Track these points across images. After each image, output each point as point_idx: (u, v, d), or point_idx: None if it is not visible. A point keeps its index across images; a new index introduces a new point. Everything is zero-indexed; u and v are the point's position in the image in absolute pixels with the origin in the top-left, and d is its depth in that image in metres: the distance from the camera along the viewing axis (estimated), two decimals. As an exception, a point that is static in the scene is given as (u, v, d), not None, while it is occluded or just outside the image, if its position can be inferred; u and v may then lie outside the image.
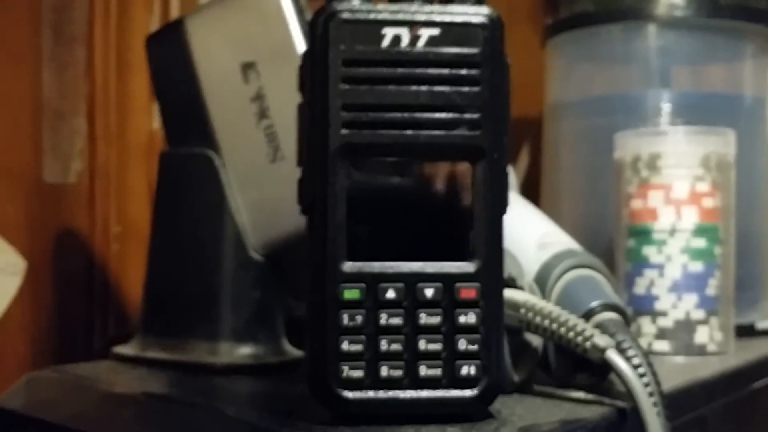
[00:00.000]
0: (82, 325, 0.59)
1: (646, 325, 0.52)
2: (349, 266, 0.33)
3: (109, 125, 0.61)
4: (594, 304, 0.40)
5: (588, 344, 0.37)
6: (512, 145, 0.35)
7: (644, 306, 0.53)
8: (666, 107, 0.64)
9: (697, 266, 0.52)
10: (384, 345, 0.33)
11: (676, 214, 0.52)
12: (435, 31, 0.33)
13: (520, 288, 0.41)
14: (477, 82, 0.33)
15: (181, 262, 0.47)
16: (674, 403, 0.39)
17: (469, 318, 0.33)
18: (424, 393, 0.33)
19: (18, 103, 0.56)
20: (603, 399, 0.39)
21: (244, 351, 0.45)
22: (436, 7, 0.34)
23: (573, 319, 0.38)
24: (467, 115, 0.33)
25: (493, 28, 0.34)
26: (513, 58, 0.35)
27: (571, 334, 0.37)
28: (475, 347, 0.33)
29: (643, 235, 0.53)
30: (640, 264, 0.53)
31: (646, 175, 0.53)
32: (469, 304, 0.33)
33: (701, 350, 0.51)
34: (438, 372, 0.33)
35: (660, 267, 0.52)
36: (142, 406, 0.38)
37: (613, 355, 0.36)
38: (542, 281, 0.43)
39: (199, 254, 0.46)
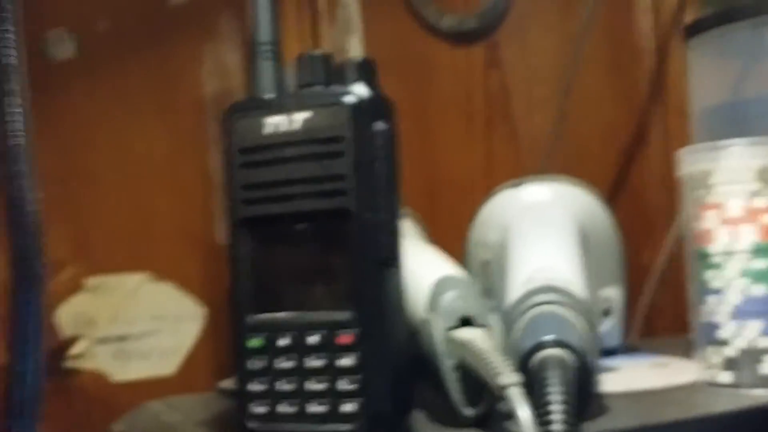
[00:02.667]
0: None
1: (711, 355, 0.49)
2: (253, 319, 0.39)
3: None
4: (542, 339, 0.41)
5: (494, 381, 0.38)
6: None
7: (708, 335, 0.49)
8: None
9: (760, 289, 0.47)
10: (280, 385, 0.39)
11: (731, 234, 0.48)
12: (308, 115, 0.39)
13: (480, 326, 0.43)
14: (340, 155, 0.38)
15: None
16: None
17: (347, 361, 0.38)
18: (313, 427, 0.38)
19: (189, 181, 0.70)
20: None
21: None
22: (316, 93, 0.39)
23: (492, 357, 0.39)
24: (333, 185, 0.38)
25: (359, 106, 0.38)
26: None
27: (485, 369, 0.39)
28: (353, 386, 0.37)
29: (702, 259, 0.49)
30: (702, 289, 0.49)
31: (701, 194, 0.49)
32: (347, 348, 0.38)
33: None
34: (323, 408, 0.38)
35: (719, 292, 0.48)
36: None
37: (512, 395, 0.37)
38: (509, 317, 0.44)
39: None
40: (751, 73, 0.64)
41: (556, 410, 0.37)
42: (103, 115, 0.69)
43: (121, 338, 0.68)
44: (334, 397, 0.38)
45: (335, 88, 0.39)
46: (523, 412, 0.37)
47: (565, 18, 0.85)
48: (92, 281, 0.67)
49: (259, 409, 0.39)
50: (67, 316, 0.67)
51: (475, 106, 0.82)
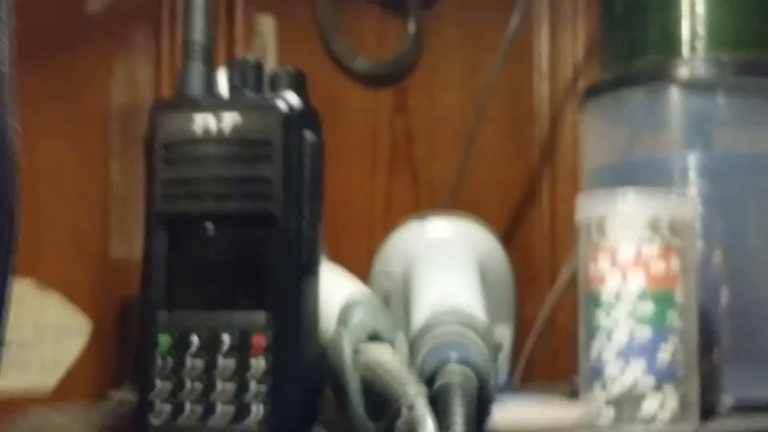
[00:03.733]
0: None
1: (598, 393, 0.51)
2: (164, 315, 0.39)
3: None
4: (448, 356, 0.42)
5: (400, 391, 0.39)
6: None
7: (595, 374, 0.52)
8: (691, 170, 0.62)
9: (644, 332, 0.50)
10: (188, 384, 0.38)
11: (622, 278, 0.51)
12: (237, 117, 0.39)
13: (386, 342, 0.44)
14: (269, 159, 0.39)
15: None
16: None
17: (259, 363, 0.38)
18: (218, 427, 0.38)
19: (88, 192, 0.69)
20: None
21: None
22: (246, 97, 0.40)
23: (400, 369, 0.40)
24: (258, 188, 0.38)
25: (290, 114, 0.39)
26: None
27: (391, 381, 0.40)
28: (263, 389, 0.38)
29: (593, 300, 0.52)
30: (592, 329, 0.52)
31: (596, 238, 0.53)
32: (260, 351, 0.38)
33: (649, 420, 0.50)
34: (231, 409, 0.38)
35: (608, 332, 0.51)
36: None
37: (416, 405, 0.38)
38: (415, 340, 0.45)
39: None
40: (640, 137, 0.68)
41: (458, 422, 0.38)
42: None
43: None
44: (243, 398, 0.38)
45: (268, 94, 0.40)
46: (429, 424, 0.38)
47: (470, 75, 0.89)
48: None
49: (165, 406, 0.38)
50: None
51: (380, 148, 0.84)
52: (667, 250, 0.51)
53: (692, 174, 0.62)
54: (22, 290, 0.66)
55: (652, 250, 0.51)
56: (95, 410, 0.54)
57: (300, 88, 0.41)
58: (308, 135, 0.39)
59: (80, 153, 0.69)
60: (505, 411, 0.56)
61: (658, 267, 0.51)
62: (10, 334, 0.65)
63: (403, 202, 0.84)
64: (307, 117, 0.40)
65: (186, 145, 0.39)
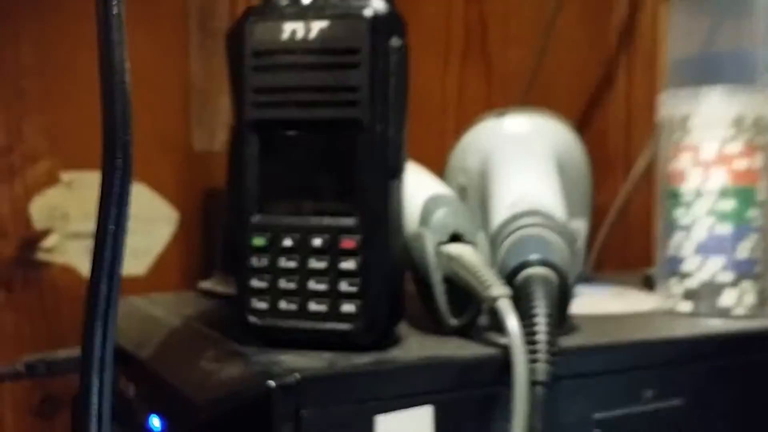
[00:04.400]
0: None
1: (674, 285, 0.52)
2: (257, 218, 0.41)
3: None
4: (529, 258, 0.43)
5: (485, 292, 0.41)
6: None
7: (673, 267, 0.53)
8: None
9: (724, 228, 0.51)
10: (282, 283, 0.40)
11: (703, 175, 0.51)
12: (324, 24, 0.39)
13: (470, 243, 0.45)
14: (357, 66, 0.39)
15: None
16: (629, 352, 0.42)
17: (349, 264, 0.39)
18: (313, 324, 0.40)
19: (170, 86, 0.70)
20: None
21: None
22: (334, 2, 0.40)
23: (483, 270, 0.42)
24: (347, 95, 0.39)
25: (376, 19, 0.39)
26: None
27: (475, 282, 0.41)
28: (354, 289, 0.39)
29: (673, 197, 0.53)
30: (671, 226, 0.53)
31: (678, 136, 0.52)
32: (349, 253, 0.39)
33: (725, 313, 0.50)
34: (324, 308, 0.40)
35: (687, 229, 0.52)
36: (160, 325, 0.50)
37: (502, 306, 0.40)
38: (496, 237, 0.47)
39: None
40: (724, 29, 0.66)
41: (541, 322, 0.40)
42: (86, 13, 0.67)
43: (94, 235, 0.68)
44: (335, 297, 0.39)
45: (354, 1, 0.40)
46: (512, 323, 0.39)
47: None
48: (67, 176, 0.67)
49: (261, 304, 0.40)
50: (40, 208, 0.67)
51: (453, 36, 0.83)
52: (750, 148, 0.51)
53: None
54: (113, 183, 0.69)
55: (735, 147, 0.51)
56: (187, 299, 0.57)
57: (386, -6, 0.41)
58: (394, 41, 0.39)
59: (160, 46, 0.70)
60: (582, 302, 0.58)
61: (741, 164, 0.51)
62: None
63: (477, 91, 0.84)
64: (393, 23, 0.40)
65: (275, 53, 0.40)
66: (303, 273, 0.40)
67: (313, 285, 0.40)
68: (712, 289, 0.51)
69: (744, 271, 0.51)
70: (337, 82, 0.39)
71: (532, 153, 0.57)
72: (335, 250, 0.40)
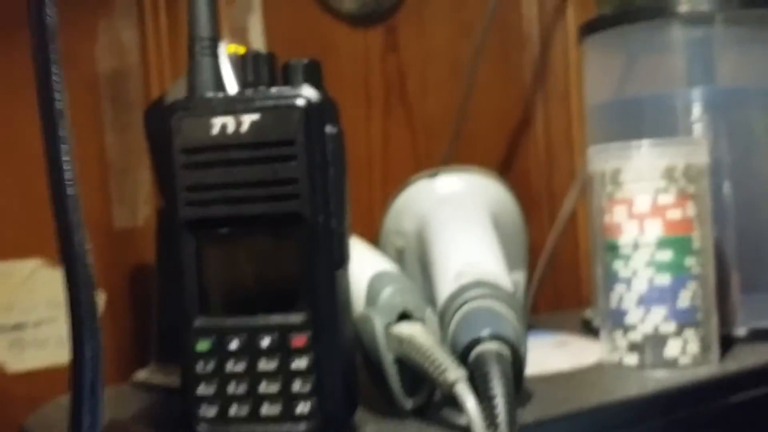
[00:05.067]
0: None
1: (618, 338, 0.53)
2: (200, 321, 0.39)
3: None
4: (480, 334, 0.43)
5: (440, 377, 0.40)
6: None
7: (616, 320, 0.53)
8: (695, 106, 0.62)
9: (664, 279, 0.51)
10: (231, 388, 0.39)
11: (639, 227, 0.52)
12: (256, 117, 0.38)
13: (418, 320, 0.45)
14: (292, 158, 0.38)
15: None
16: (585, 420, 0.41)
17: (301, 362, 0.38)
18: (266, 428, 0.38)
19: (86, 163, 0.67)
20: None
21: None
22: (263, 94, 0.39)
23: (436, 353, 0.41)
24: (284, 189, 0.38)
25: (310, 109, 0.38)
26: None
27: (429, 366, 0.41)
28: (307, 388, 0.38)
29: (611, 250, 0.53)
30: (612, 278, 0.53)
31: (611, 189, 0.53)
32: (300, 351, 0.38)
33: (671, 363, 0.51)
34: (277, 410, 0.38)
35: (627, 281, 0.52)
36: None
37: (460, 390, 0.39)
38: (445, 312, 0.46)
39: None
40: (642, 72, 0.67)
41: (500, 403, 0.39)
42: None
43: (17, 327, 0.65)
44: (288, 398, 0.38)
45: (284, 90, 0.38)
46: (472, 407, 0.38)
47: (458, 6, 0.87)
48: (-19, 268, 0.64)
49: (209, 412, 0.38)
50: (-46, 305, 0.63)
51: (373, 89, 0.83)
52: (683, 197, 0.51)
53: (696, 109, 0.62)
54: (33, 270, 0.66)
55: (668, 198, 0.51)
56: (122, 395, 0.54)
57: (315, 78, 0.40)
58: (329, 129, 0.39)
59: (73, 124, 0.67)
60: (530, 358, 0.57)
61: (675, 214, 0.51)
62: (25, 316, 0.65)
63: (401, 141, 0.84)
64: (326, 110, 0.39)
65: (206, 150, 0.38)
66: (253, 375, 0.38)
67: (264, 388, 0.38)
68: (657, 340, 0.51)
69: (686, 319, 0.51)
70: (273, 176, 0.38)
71: (468, 214, 0.56)
72: (285, 348, 0.38)
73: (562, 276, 0.89)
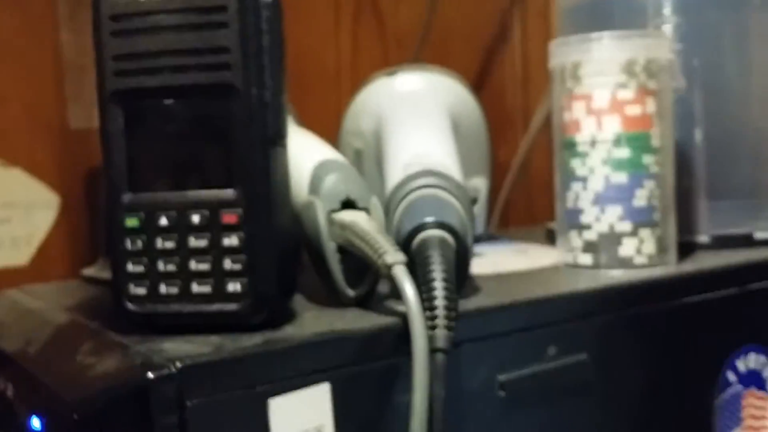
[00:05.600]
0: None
1: (574, 238, 0.52)
2: (128, 197, 0.38)
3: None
4: (424, 220, 0.42)
5: (379, 261, 0.39)
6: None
7: (572, 220, 0.52)
8: (665, 6, 0.60)
9: (620, 177, 0.50)
10: (161, 266, 0.37)
11: (597, 124, 0.50)
12: (187, -20, 0.36)
13: (362, 209, 0.43)
14: (225, 25, 0.36)
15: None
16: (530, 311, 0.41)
17: (232, 240, 0.37)
18: (197, 307, 0.37)
19: (39, 62, 0.66)
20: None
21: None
22: (194, -43, 0.37)
23: (377, 237, 0.40)
24: (216, 57, 0.36)
25: (244, -28, 0.36)
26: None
27: (369, 250, 0.39)
28: (238, 266, 0.37)
29: (569, 148, 0.52)
30: (568, 177, 0.52)
31: (570, 85, 0.51)
32: (231, 228, 0.37)
33: (626, 263, 0.50)
34: (208, 289, 0.37)
35: (583, 180, 0.51)
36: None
37: (397, 273, 0.38)
38: (390, 201, 0.45)
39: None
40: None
41: (438, 287, 0.38)
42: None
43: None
44: (219, 276, 0.37)
45: (218, -46, 0.37)
46: (409, 290, 0.37)
47: None
48: None
49: (139, 290, 0.37)
50: None
51: (343, -4, 0.81)
52: (642, 94, 0.50)
53: (666, 10, 0.60)
54: (-16, 170, 0.64)
55: (627, 94, 0.50)
56: (69, 289, 0.54)
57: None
58: (266, -3, 0.37)
59: (28, 21, 0.65)
60: (484, 261, 0.57)
61: (634, 110, 0.50)
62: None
63: (371, 52, 0.82)
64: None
65: (133, 15, 0.37)
66: (183, 253, 0.37)
67: (194, 265, 0.37)
68: (612, 239, 0.50)
69: (642, 219, 0.50)
70: (204, 44, 0.36)
71: (426, 111, 0.55)
72: (216, 225, 0.37)
73: (535, 192, 0.88)
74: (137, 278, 0.37)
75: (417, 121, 0.53)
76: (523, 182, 0.86)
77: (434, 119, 0.54)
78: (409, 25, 0.82)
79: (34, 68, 0.65)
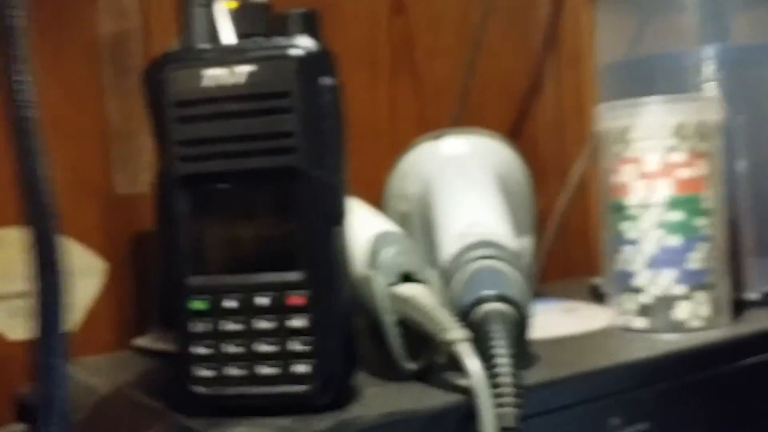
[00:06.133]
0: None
1: (626, 301, 0.51)
2: (194, 280, 0.38)
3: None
4: (484, 293, 0.42)
5: (440, 337, 0.39)
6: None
7: (623, 282, 0.51)
8: (708, 65, 0.60)
9: (673, 240, 0.50)
10: (227, 348, 0.38)
11: (648, 187, 0.50)
12: (251, 68, 0.37)
13: (421, 282, 0.43)
14: (289, 110, 0.37)
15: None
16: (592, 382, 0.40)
17: (299, 322, 0.37)
18: (264, 389, 0.37)
19: (86, 129, 0.66)
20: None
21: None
22: (258, 44, 0.37)
23: (438, 312, 0.40)
24: (281, 142, 0.37)
25: (306, 59, 0.37)
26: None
27: (431, 325, 0.40)
28: (305, 347, 0.37)
29: (618, 210, 0.52)
30: (618, 240, 0.52)
31: (619, 149, 0.51)
32: (298, 310, 0.37)
33: (680, 327, 0.50)
34: (275, 370, 0.37)
35: (635, 242, 0.51)
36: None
37: (462, 350, 0.38)
38: (447, 272, 0.45)
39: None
40: (652, 28, 0.66)
41: (504, 364, 0.38)
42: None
43: (19, 295, 0.64)
44: (286, 358, 0.37)
45: (280, 40, 0.37)
46: (475, 368, 0.37)
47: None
48: (-16, 235, 0.63)
49: (205, 372, 0.38)
50: (-44, 272, 0.62)
51: (379, 52, 0.81)
52: (693, 156, 0.50)
53: (709, 67, 0.60)
54: (33, 237, 0.65)
55: (678, 156, 0.50)
56: (122, 361, 0.54)
57: (313, 29, 0.38)
58: (326, 80, 0.37)
59: (72, 89, 0.66)
60: (535, 322, 0.56)
61: (685, 173, 0.50)
62: (26, 284, 0.64)
63: (408, 107, 0.82)
64: (322, 61, 0.37)
65: (199, 103, 0.37)
66: (249, 335, 0.37)
67: (261, 347, 0.37)
68: (666, 303, 0.50)
69: (697, 282, 0.50)
70: (268, 129, 0.37)
71: (473, 175, 0.55)
72: (282, 307, 0.37)
73: (572, 244, 0.88)
74: (203, 360, 0.38)
75: (466, 186, 0.53)
76: (559, 235, 0.86)
77: (483, 184, 0.54)
78: (445, 81, 0.83)
79: (80, 135, 0.66)
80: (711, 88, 0.59)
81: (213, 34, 0.39)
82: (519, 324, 0.41)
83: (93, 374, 0.50)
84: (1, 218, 0.64)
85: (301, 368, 0.37)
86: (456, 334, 0.38)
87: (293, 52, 0.37)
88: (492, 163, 0.57)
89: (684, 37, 0.64)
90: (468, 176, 0.55)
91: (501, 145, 0.59)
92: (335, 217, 0.37)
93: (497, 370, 0.37)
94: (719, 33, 0.61)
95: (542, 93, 0.91)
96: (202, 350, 0.38)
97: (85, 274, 0.67)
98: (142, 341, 0.56)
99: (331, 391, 0.37)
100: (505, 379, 0.37)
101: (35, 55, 0.63)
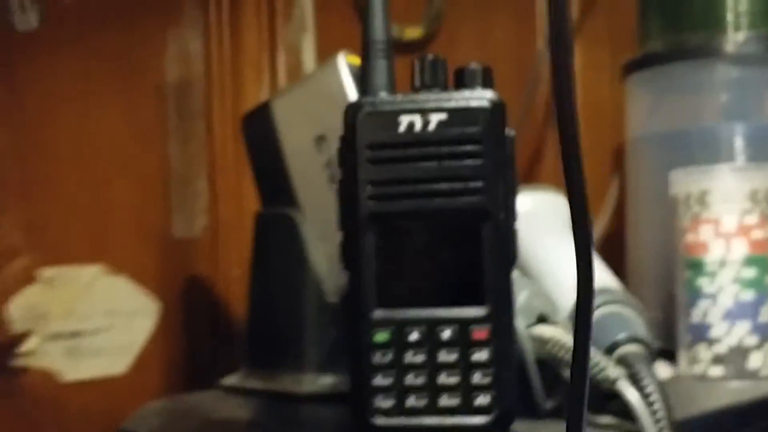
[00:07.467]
0: (208, 358, 0.69)
1: (702, 351, 0.56)
2: (378, 313, 0.40)
3: (228, 186, 0.71)
4: (619, 337, 0.45)
5: (600, 376, 0.42)
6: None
7: (699, 334, 0.56)
8: (738, 141, 0.66)
9: (748, 295, 0.55)
10: (409, 379, 0.39)
11: (725, 246, 0.55)
12: (443, 116, 0.40)
13: (553, 324, 0.46)
14: (480, 156, 0.39)
15: (273, 306, 0.56)
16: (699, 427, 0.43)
17: (482, 355, 0.39)
18: (443, 419, 0.39)
19: (149, 171, 0.67)
20: (624, 424, 0.43)
21: (325, 381, 0.53)
22: (445, 95, 0.40)
23: (590, 352, 0.43)
24: (472, 184, 0.39)
25: (494, 110, 0.40)
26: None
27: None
28: (488, 380, 0.39)
29: (696, 267, 0.56)
30: (695, 294, 0.56)
31: (697, 210, 0.56)
32: (481, 343, 0.39)
33: (754, 375, 0.54)
34: (456, 402, 0.39)
35: (713, 296, 0.55)
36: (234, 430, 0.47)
37: (623, 386, 0.41)
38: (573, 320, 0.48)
39: (287, 299, 0.55)
40: (687, 106, 0.72)
41: (658, 399, 0.41)
42: (64, 94, 0.63)
43: (74, 334, 0.63)
44: (467, 390, 0.39)
45: (468, 92, 0.40)
46: (636, 400, 0.40)
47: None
48: (46, 272, 0.62)
49: (386, 403, 0.39)
50: (18, 309, 0.61)
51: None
52: (765, 219, 0.55)
53: (739, 142, 0.66)
54: (93, 276, 0.64)
55: (752, 219, 0.55)
56: (220, 398, 0.54)
57: (489, 82, 0.41)
58: (509, 131, 0.40)
59: (138, 130, 0.67)
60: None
61: (758, 234, 0.55)
62: (83, 323, 0.63)
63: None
64: (505, 113, 0.41)
65: (392, 146, 0.40)
66: (432, 367, 0.39)
67: (443, 379, 0.39)
68: (740, 353, 0.55)
69: (766, 334, 0.55)
70: (460, 173, 0.39)
71: (552, 228, 0.59)
72: (466, 341, 0.39)
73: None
74: (384, 391, 0.39)
75: (550, 240, 0.57)
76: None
77: (564, 235, 0.57)
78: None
79: (144, 176, 0.67)
80: (741, 161, 0.65)
81: (391, 84, 0.42)
82: (652, 359, 0.45)
83: (210, 411, 0.50)
84: (63, 256, 0.63)
85: (481, 400, 0.39)
86: (614, 372, 0.41)
87: (484, 102, 0.40)
88: (559, 213, 0.61)
89: (716, 113, 0.70)
90: (549, 229, 0.58)
91: (559, 197, 0.63)
92: (514, 256, 0.40)
93: (654, 406, 0.41)
94: (749, 111, 0.68)
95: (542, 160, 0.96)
96: (383, 381, 0.39)
97: (141, 314, 0.66)
98: (231, 380, 0.56)
99: (508, 423, 0.39)
100: (661, 413, 0.40)
101: (108, 91, 0.64)
